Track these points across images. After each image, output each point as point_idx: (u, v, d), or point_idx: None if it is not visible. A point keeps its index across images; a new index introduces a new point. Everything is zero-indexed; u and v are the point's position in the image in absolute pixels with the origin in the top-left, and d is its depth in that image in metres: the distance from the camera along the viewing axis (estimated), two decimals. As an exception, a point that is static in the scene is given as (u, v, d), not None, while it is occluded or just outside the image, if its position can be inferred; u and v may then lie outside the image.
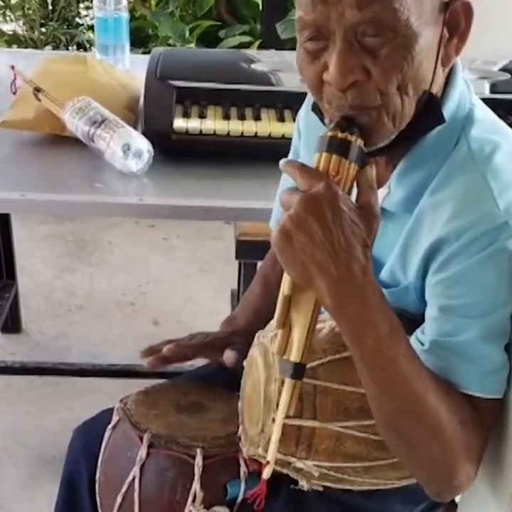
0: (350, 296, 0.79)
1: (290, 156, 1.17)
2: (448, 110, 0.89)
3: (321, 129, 0.88)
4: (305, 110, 1.10)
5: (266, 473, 0.84)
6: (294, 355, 0.81)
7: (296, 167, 0.81)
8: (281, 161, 0.84)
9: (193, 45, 3.15)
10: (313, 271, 0.78)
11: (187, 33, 3.13)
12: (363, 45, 0.81)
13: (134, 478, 1.05)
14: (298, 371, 0.81)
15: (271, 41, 2.61)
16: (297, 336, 0.81)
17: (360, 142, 0.82)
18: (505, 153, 0.87)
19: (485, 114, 0.93)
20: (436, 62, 0.85)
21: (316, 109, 0.92)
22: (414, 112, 0.86)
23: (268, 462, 0.84)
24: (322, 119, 0.90)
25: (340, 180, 0.80)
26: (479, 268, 0.83)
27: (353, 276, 0.78)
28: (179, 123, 1.48)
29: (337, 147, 0.81)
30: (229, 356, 1.13)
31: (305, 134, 1.10)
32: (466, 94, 0.92)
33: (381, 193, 0.92)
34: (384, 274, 0.95)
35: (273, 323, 0.84)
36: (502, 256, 0.83)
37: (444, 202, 0.86)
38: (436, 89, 0.88)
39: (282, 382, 0.89)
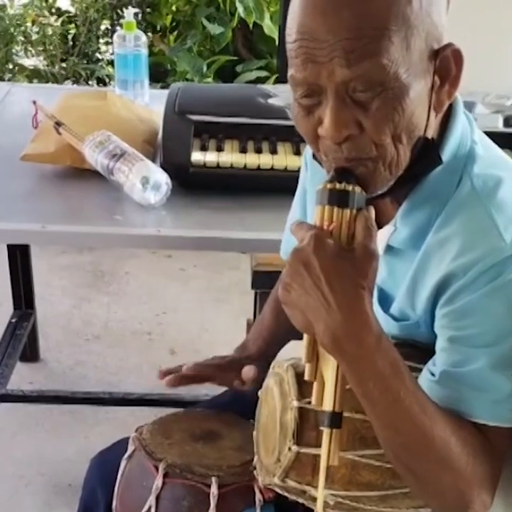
0: (345, 339, 0.81)
1: (298, 189, 1.19)
2: (448, 150, 0.89)
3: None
4: None
5: None
6: (327, 405, 0.83)
7: (294, 225, 0.85)
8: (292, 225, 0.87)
9: (210, 79, 3.19)
10: (310, 317, 0.82)
11: (204, 68, 3.17)
12: (355, 100, 0.81)
13: (150, 508, 1.05)
14: (333, 420, 0.83)
15: (287, 76, 2.64)
16: (328, 385, 0.84)
17: (358, 189, 0.84)
18: (508, 187, 0.88)
19: (487, 150, 0.93)
20: (429, 108, 0.85)
21: (316, 157, 0.93)
22: (411, 157, 0.86)
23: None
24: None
25: (335, 228, 0.82)
26: (486, 300, 0.84)
27: (346, 320, 0.80)
28: (197, 156, 1.50)
29: (332, 198, 0.83)
30: (247, 371, 1.16)
31: (311, 167, 1.11)
32: (468, 132, 0.92)
33: (388, 230, 0.94)
34: (394, 310, 0.96)
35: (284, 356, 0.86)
36: (509, 287, 0.84)
37: (450, 238, 0.87)
38: (432, 132, 0.88)
39: (298, 411, 0.91)
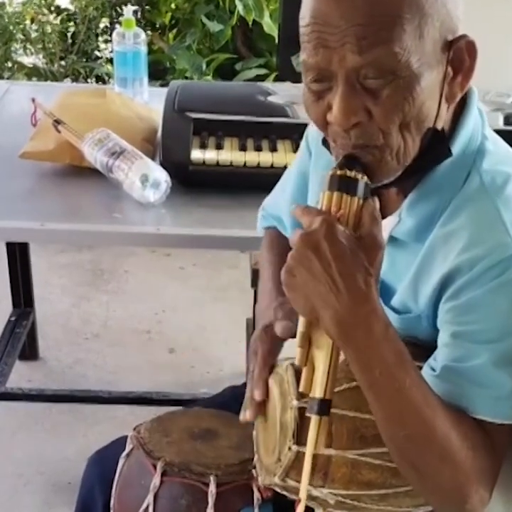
0: (354, 326, 0.80)
1: (293, 172, 1.18)
2: (459, 143, 0.89)
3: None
4: (318, 132, 1.09)
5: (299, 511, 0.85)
6: (318, 392, 0.83)
7: (300, 209, 0.84)
8: (292, 208, 0.86)
9: (209, 77, 3.19)
10: (316, 304, 0.81)
11: (204, 66, 3.17)
12: (365, 87, 0.82)
13: (147, 506, 1.05)
14: (322, 407, 0.83)
15: (286, 74, 2.64)
16: (319, 372, 0.83)
17: (365, 179, 0.84)
18: None
19: (497, 146, 0.93)
20: (441, 99, 0.85)
21: (325, 143, 0.93)
22: (420, 147, 0.86)
23: (300, 499, 0.85)
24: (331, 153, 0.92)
25: (342, 216, 0.82)
26: (491, 296, 0.84)
27: (355, 306, 0.80)
28: (196, 154, 1.50)
29: (342, 185, 0.83)
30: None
31: (315, 152, 1.10)
32: (479, 127, 0.92)
33: (392, 220, 0.94)
34: (395, 302, 0.96)
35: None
36: None
37: (457, 233, 0.87)
38: (442, 124, 0.88)
39: (299, 411, 0.90)
